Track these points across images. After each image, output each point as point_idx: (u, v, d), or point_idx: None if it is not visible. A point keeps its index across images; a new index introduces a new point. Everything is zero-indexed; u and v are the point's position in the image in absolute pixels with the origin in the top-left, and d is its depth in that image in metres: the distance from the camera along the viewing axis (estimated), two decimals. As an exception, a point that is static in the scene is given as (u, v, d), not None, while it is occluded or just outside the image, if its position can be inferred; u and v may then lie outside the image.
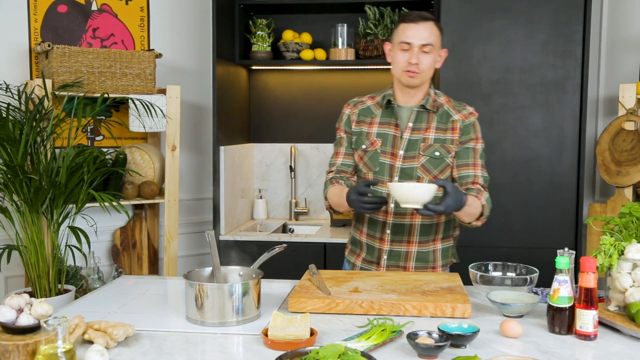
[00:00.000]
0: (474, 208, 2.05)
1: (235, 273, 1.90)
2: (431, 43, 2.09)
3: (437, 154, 2.15)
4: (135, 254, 3.56)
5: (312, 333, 1.56)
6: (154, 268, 3.61)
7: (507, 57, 3.18)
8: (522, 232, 3.23)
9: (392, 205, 2.18)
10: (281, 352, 1.48)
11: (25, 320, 1.42)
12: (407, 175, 2.15)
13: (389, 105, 2.21)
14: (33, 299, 1.47)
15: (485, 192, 2.14)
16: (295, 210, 3.95)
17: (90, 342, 1.52)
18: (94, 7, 3.52)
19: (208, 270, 1.89)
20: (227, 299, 1.70)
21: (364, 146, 2.21)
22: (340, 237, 3.35)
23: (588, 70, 3.12)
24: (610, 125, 3.25)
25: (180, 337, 1.62)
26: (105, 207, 2.80)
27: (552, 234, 3.20)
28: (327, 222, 3.87)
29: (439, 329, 1.56)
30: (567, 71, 3.14)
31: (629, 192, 3.19)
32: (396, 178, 2.16)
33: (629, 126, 3.18)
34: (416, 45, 2.08)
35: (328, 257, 3.29)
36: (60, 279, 2.91)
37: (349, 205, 2.07)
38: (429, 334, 1.51)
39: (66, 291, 2.90)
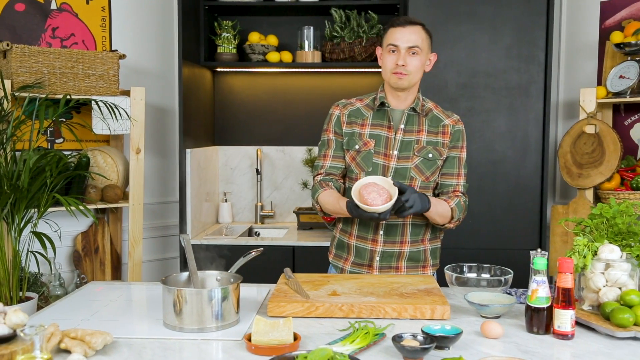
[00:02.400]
0: (442, 208, 2.16)
1: (212, 278, 1.87)
2: (418, 45, 2.14)
3: (430, 155, 2.20)
4: (98, 259, 3.46)
5: (296, 337, 1.55)
6: (117, 274, 3.52)
7: (472, 61, 3.23)
8: (487, 234, 3.28)
9: None
10: (266, 358, 1.46)
11: (-1, 330, 1.36)
12: (400, 175, 2.18)
13: (381, 108, 2.24)
14: (7, 307, 1.41)
15: (461, 197, 2.24)
16: (261, 213, 3.91)
17: (67, 351, 1.47)
18: (53, 6, 3.42)
19: (185, 275, 1.85)
20: (207, 304, 1.67)
21: (356, 146, 2.22)
22: (308, 240, 3.34)
23: (551, 74, 3.20)
24: (572, 129, 3.33)
25: (159, 344, 1.58)
26: (72, 212, 2.71)
27: (517, 236, 3.26)
28: (293, 225, 3.85)
29: (422, 331, 1.57)
30: (530, 75, 3.21)
31: (590, 194, 3.28)
32: (390, 178, 2.15)
33: (590, 129, 3.27)
34: (403, 48, 2.13)
35: (297, 260, 3.28)
36: (22, 286, 2.81)
37: (349, 211, 2.06)
38: (414, 336, 1.52)
39: (28, 299, 2.80)
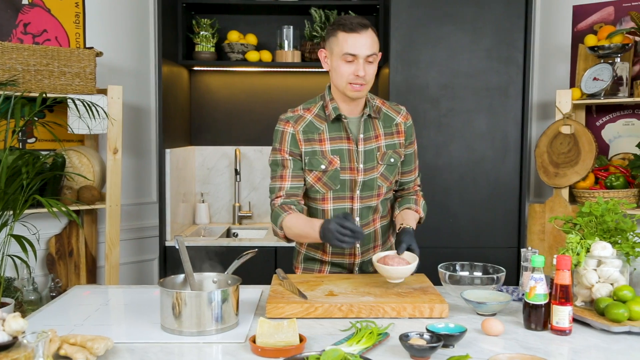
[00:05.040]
0: (415, 221, 2.18)
1: (209, 280, 1.84)
2: (375, 52, 2.00)
3: (392, 160, 2.15)
4: (72, 262, 3.37)
5: (301, 339, 1.53)
6: (93, 277, 3.44)
7: (453, 62, 3.26)
8: (467, 233, 3.31)
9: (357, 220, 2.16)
10: (275, 360, 1.45)
11: (-1, 336, 1.30)
12: (367, 186, 2.13)
13: (336, 120, 2.10)
14: (5, 313, 1.35)
15: (421, 195, 2.29)
16: (239, 214, 3.88)
17: (66, 358, 1.43)
18: (24, 1, 3.32)
19: (180, 277, 1.81)
20: (206, 306, 1.64)
21: (322, 166, 2.09)
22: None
23: (529, 76, 3.25)
24: (549, 129, 3.39)
25: (160, 349, 1.55)
26: (55, 213, 2.64)
27: (496, 234, 3.31)
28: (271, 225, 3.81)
29: (427, 329, 1.57)
30: (509, 76, 3.26)
31: (565, 193, 3.35)
32: (358, 192, 2.12)
33: (566, 130, 3.34)
34: (362, 57, 1.97)
35: (279, 261, 3.25)
36: (-3, 291, 2.72)
37: (322, 238, 1.92)
38: (420, 335, 1.52)
39: (4, 304, 2.70)
